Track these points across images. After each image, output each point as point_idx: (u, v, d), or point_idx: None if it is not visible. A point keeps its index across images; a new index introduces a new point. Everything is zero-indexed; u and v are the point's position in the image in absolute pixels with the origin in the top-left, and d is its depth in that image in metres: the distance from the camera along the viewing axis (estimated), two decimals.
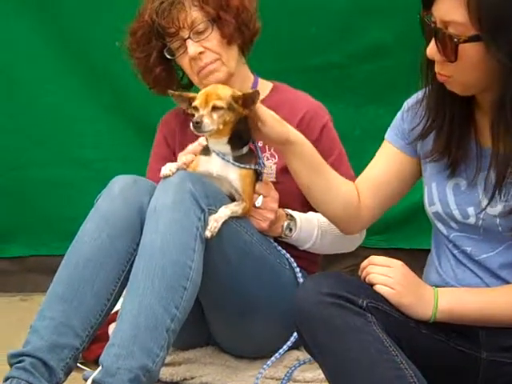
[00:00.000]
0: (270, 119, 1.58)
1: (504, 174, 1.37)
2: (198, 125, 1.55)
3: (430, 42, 1.35)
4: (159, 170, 1.86)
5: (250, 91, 1.59)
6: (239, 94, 1.60)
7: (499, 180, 1.38)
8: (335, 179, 1.62)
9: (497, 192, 1.39)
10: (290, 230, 1.79)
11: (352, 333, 1.32)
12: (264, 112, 1.58)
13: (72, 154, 2.56)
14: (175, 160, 1.77)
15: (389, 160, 1.60)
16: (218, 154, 1.65)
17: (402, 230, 2.37)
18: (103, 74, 2.49)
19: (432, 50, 1.35)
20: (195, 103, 1.60)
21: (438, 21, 1.32)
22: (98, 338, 1.73)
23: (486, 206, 1.42)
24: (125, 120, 2.52)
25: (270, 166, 1.82)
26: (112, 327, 1.87)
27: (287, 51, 2.36)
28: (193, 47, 1.82)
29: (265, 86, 1.95)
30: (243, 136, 1.64)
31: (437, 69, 1.37)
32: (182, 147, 1.85)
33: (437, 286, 1.45)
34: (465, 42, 1.29)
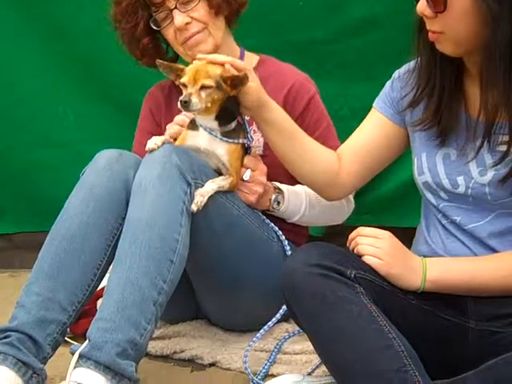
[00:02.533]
0: (248, 90, 1.57)
1: (493, 120, 1.36)
2: (186, 104, 1.54)
3: (419, 1, 1.35)
4: (145, 144, 1.86)
5: (241, 74, 1.56)
6: (229, 74, 1.57)
7: (488, 128, 1.37)
8: (310, 145, 1.62)
9: (486, 142, 1.39)
10: (278, 203, 1.78)
11: (340, 303, 1.32)
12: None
13: (54, 135, 2.52)
14: (161, 134, 1.76)
15: (376, 127, 1.60)
16: (205, 129, 1.64)
17: (392, 208, 2.33)
18: (83, 55, 2.44)
19: (422, 5, 1.35)
20: (183, 80, 1.57)
21: None
22: (87, 312, 1.73)
23: (472, 159, 1.42)
24: (105, 101, 2.47)
25: (257, 139, 1.80)
26: (100, 303, 1.87)
27: (271, 26, 2.27)
28: (180, 17, 1.79)
29: (251, 59, 1.92)
30: (231, 112, 1.62)
31: (428, 26, 1.37)
32: (168, 121, 1.84)
33: (426, 257, 1.45)
34: None
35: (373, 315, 1.31)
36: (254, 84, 1.57)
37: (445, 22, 1.34)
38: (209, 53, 1.78)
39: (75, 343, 1.75)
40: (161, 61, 1.65)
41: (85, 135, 2.49)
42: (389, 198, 2.33)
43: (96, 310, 1.87)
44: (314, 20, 2.25)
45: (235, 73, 1.56)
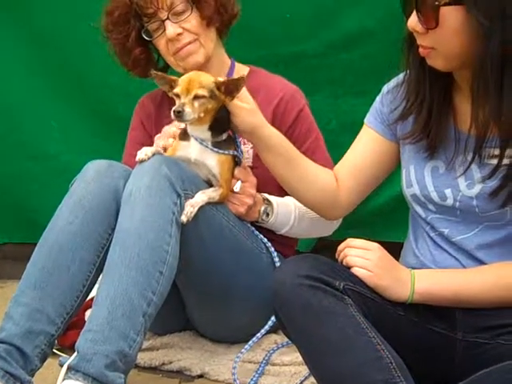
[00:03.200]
0: (238, 111, 1.57)
1: (484, 135, 1.37)
2: (180, 114, 1.54)
3: (409, 15, 1.36)
4: (135, 155, 1.86)
5: (235, 77, 1.57)
6: (221, 80, 1.58)
7: (479, 143, 1.38)
8: (310, 168, 1.62)
9: (476, 156, 1.40)
10: (267, 214, 1.78)
11: (329, 315, 1.32)
12: (234, 104, 1.57)
13: (39, 147, 2.50)
14: (152, 144, 1.76)
15: (368, 144, 1.61)
16: (196, 140, 1.64)
17: (380, 223, 2.33)
18: (70, 66, 2.42)
19: (413, 21, 1.35)
20: (177, 90, 1.58)
21: None
22: (75, 324, 1.72)
23: (462, 174, 1.43)
24: (92, 113, 2.45)
25: (246, 150, 1.81)
26: (88, 313, 1.86)
27: (259, 38, 2.23)
28: (172, 28, 1.80)
29: (241, 71, 1.93)
30: (223, 123, 1.62)
31: (419, 41, 1.38)
32: (159, 131, 1.84)
33: (414, 269, 1.46)
34: (445, 4, 1.30)
35: (362, 327, 1.32)
36: (247, 106, 1.57)
37: (436, 38, 1.35)
38: (201, 64, 1.79)
39: (63, 355, 1.75)
40: (155, 72, 1.65)
41: (70, 147, 2.47)
42: (376, 213, 2.31)
43: (84, 322, 1.86)
44: (303, 33, 2.23)
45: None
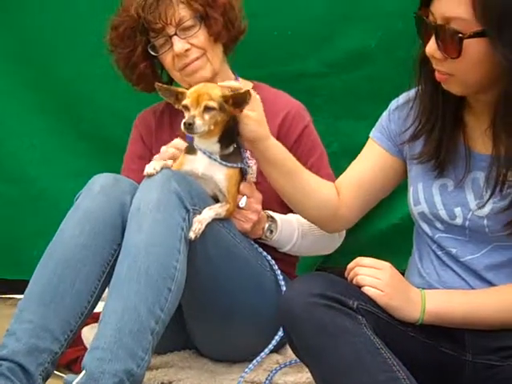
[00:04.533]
0: (246, 120, 1.55)
1: (505, 176, 1.36)
2: (190, 126, 1.52)
3: (427, 40, 1.34)
4: (134, 170, 1.84)
5: (241, 91, 1.55)
6: (228, 93, 1.56)
7: (498, 182, 1.37)
8: (311, 182, 1.61)
9: (496, 193, 1.39)
10: (271, 231, 1.76)
11: (344, 335, 1.30)
12: (243, 113, 1.55)
13: (16, 169, 2.36)
14: (151, 158, 1.73)
15: (373, 159, 1.60)
16: (204, 153, 1.62)
17: (381, 250, 2.29)
18: (53, 83, 2.32)
19: (432, 47, 1.33)
20: (186, 102, 1.56)
21: (439, 17, 1.31)
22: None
23: (486, 202, 1.41)
24: (75, 133, 2.33)
25: (251, 166, 1.79)
26: (85, 331, 1.82)
27: (258, 57, 2.18)
28: (179, 44, 1.79)
29: (245, 85, 1.91)
30: (231, 135, 1.61)
31: (436, 66, 1.36)
32: (159, 145, 1.82)
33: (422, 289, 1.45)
34: (469, 37, 1.28)
35: (376, 347, 1.30)
36: (253, 114, 1.55)
37: (455, 66, 1.33)
38: (207, 79, 1.78)
39: (61, 374, 1.70)
40: (160, 84, 1.64)
41: (51, 170, 2.35)
42: (377, 240, 2.28)
43: (80, 339, 1.83)
44: (303, 52, 2.21)
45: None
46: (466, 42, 1.29)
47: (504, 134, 1.34)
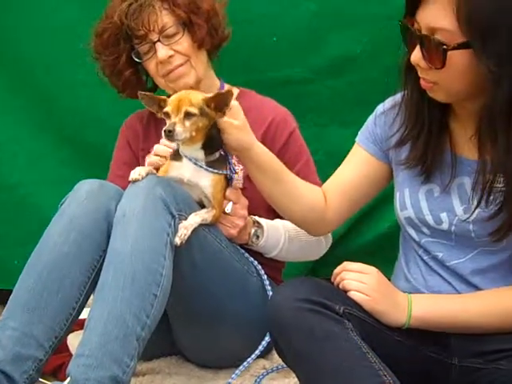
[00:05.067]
0: (228, 127, 1.55)
1: (492, 183, 1.36)
2: (171, 133, 1.51)
3: (412, 49, 1.34)
4: (121, 176, 1.83)
5: (223, 91, 1.55)
6: (209, 96, 1.56)
7: (485, 189, 1.37)
8: (297, 186, 1.61)
9: (483, 199, 1.39)
10: (258, 237, 1.76)
11: (330, 339, 1.30)
12: (224, 120, 1.55)
13: (1, 177, 2.30)
14: (138, 164, 1.73)
15: (359, 163, 1.60)
16: (190, 160, 1.61)
17: (367, 260, 2.29)
18: (37, 89, 2.28)
19: (416, 56, 1.34)
20: (167, 109, 1.55)
21: (424, 27, 1.31)
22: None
23: (474, 210, 1.41)
24: (60, 140, 2.29)
25: (238, 172, 1.79)
26: (70, 337, 1.80)
27: (243, 63, 2.16)
28: (163, 50, 1.78)
29: None
30: (216, 141, 1.60)
31: (421, 75, 1.37)
32: (146, 152, 1.81)
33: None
34: (454, 49, 1.29)
35: (363, 351, 1.30)
36: (236, 122, 1.55)
37: (440, 76, 1.33)
38: (191, 86, 1.78)
39: (46, 382, 1.68)
40: (143, 92, 1.63)
41: (33, 177, 2.31)
42: (363, 250, 2.26)
43: (66, 346, 1.82)
44: (289, 58, 2.19)
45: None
46: (450, 53, 1.29)
47: (489, 142, 1.34)
